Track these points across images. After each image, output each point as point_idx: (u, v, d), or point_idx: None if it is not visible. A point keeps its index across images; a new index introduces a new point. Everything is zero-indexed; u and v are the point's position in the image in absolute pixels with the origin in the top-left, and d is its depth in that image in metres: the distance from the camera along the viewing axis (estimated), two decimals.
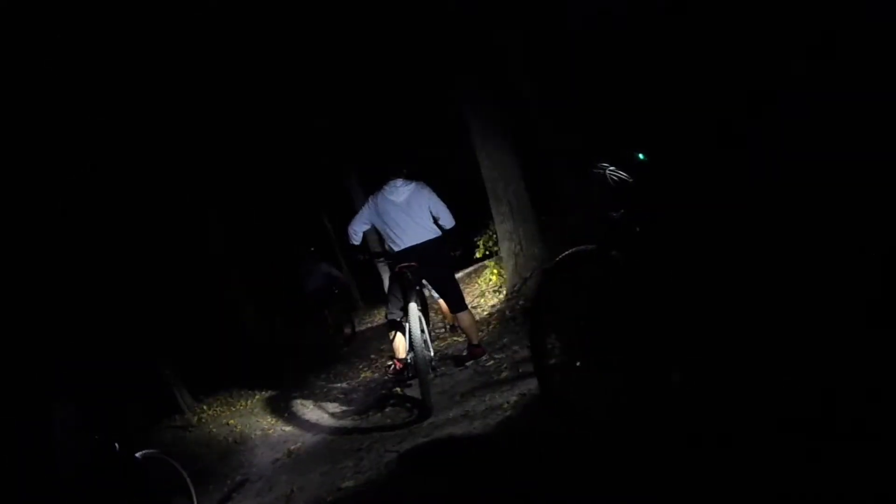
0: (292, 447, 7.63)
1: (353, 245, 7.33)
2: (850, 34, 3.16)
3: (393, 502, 4.83)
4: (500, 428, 5.10)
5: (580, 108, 7.26)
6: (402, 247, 6.91)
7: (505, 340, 7.73)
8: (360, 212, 7.26)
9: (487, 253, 12.66)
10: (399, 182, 7.05)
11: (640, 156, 3.68)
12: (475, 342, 7.38)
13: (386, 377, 7.75)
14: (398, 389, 7.35)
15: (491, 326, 8.73)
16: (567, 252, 4.07)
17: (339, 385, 9.81)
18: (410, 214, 6.93)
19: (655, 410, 3.62)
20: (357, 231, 7.23)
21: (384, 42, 12.86)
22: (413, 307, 6.65)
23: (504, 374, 6.59)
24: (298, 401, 9.89)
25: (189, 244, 13.72)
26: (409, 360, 6.72)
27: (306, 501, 5.90)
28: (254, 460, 8.06)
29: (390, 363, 7.01)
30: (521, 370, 6.34)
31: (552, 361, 4.52)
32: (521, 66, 9.25)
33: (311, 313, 15.51)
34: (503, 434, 4.95)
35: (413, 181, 7.11)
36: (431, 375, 6.82)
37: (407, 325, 6.69)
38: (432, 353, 7.02)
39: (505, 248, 9.72)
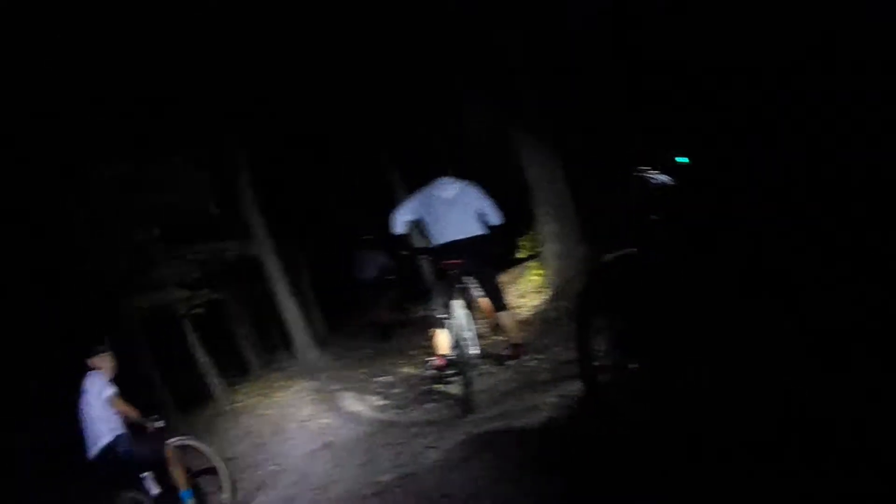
0: (329, 439, 7.60)
1: (395, 234, 7.28)
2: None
3: (429, 498, 4.80)
4: (539, 428, 5.05)
5: (621, 109, 7.29)
6: (444, 241, 6.95)
7: (546, 341, 7.66)
8: (407, 201, 7.33)
9: (530, 254, 12.58)
10: (448, 179, 7.12)
11: (680, 159, 3.68)
12: (517, 342, 7.31)
13: (426, 373, 7.72)
14: (440, 385, 7.28)
15: (533, 327, 8.66)
16: (610, 255, 4.11)
17: (379, 378, 9.77)
18: (456, 211, 6.97)
19: (696, 415, 3.60)
20: (400, 220, 7.22)
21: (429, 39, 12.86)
22: (458, 305, 6.71)
23: (545, 375, 6.54)
24: (338, 393, 9.88)
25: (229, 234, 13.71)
26: (452, 357, 6.68)
27: (341, 493, 5.89)
28: (289, 451, 8.06)
29: (431, 359, 6.98)
30: (562, 371, 6.27)
31: (596, 363, 4.48)
32: (567, 65, 9.22)
33: (361, 302, 15.47)
34: (542, 434, 4.90)
35: (462, 180, 7.17)
36: (475, 374, 6.78)
37: (451, 322, 6.70)
38: (478, 351, 6.98)
39: (548, 250, 9.64)
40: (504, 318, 7.29)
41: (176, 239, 11.98)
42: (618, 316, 4.37)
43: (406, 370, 9.72)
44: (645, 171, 3.77)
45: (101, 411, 6.40)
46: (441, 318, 6.86)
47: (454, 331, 6.60)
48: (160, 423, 6.75)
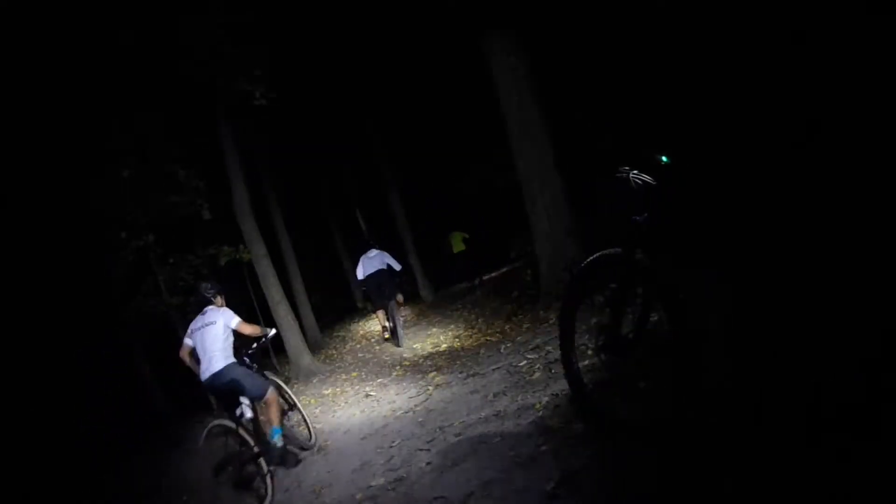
0: (322, 444, 7.60)
1: (360, 281, 13.40)
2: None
3: (421, 501, 4.78)
4: (531, 428, 5.04)
5: (608, 109, 7.32)
6: (366, 274, 13.00)
7: (538, 341, 7.65)
8: (357, 269, 13.50)
9: (521, 253, 12.61)
10: (372, 250, 13.29)
11: (663, 158, 3.68)
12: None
13: (383, 341, 13.42)
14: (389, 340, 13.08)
15: (524, 327, 8.65)
16: (593, 256, 4.10)
17: (371, 382, 9.79)
18: (374, 262, 13.03)
19: (685, 414, 3.59)
20: (359, 279, 13.30)
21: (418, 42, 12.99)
22: (390, 302, 13.10)
23: (537, 375, 6.53)
24: (330, 397, 9.88)
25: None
26: (388, 325, 13.36)
27: (335, 498, 5.87)
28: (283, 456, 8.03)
29: (381, 329, 13.77)
30: (553, 371, 6.30)
31: (583, 364, 4.55)
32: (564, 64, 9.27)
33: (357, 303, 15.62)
34: (534, 434, 4.88)
35: (379, 249, 13.34)
36: (402, 321, 13.63)
37: (389, 307, 13.16)
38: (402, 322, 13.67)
39: (539, 249, 9.62)
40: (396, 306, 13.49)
41: (170, 245, 11.97)
42: (602, 316, 4.38)
43: (396, 373, 9.71)
44: (628, 170, 3.74)
45: (222, 341, 7.24)
46: (381, 308, 13.35)
47: (392, 309, 13.06)
48: (272, 331, 7.79)
